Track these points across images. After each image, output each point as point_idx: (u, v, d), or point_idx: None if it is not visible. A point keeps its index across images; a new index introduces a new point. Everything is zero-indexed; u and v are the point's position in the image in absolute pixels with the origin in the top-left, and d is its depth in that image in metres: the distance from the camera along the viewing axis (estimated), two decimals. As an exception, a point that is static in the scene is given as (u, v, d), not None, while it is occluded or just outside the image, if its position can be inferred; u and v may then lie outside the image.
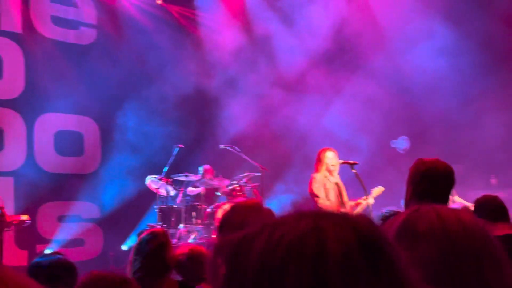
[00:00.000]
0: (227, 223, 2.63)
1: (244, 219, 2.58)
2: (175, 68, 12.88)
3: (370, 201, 7.98)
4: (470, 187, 10.71)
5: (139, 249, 3.79)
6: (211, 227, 10.71)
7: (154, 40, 12.93)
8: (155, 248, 3.72)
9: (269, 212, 2.67)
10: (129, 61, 12.44)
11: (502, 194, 10.37)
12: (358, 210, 8.04)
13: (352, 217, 0.97)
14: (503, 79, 12.39)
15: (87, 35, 12.44)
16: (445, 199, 3.26)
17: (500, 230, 4.16)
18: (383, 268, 0.90)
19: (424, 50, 12.57)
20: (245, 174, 11.47)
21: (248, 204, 2.73)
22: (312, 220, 0.93)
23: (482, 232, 1.24)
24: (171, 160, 11.27)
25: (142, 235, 3.98)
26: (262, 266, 0.90)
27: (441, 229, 1.21)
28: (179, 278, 3.89)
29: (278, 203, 12.39)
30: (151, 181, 11.01)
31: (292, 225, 0.93)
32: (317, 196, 7.69)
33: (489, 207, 4.32)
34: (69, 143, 11.88)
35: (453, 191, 9.74)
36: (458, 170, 9.76)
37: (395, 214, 3.22)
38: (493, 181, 12.54)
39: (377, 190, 8.24)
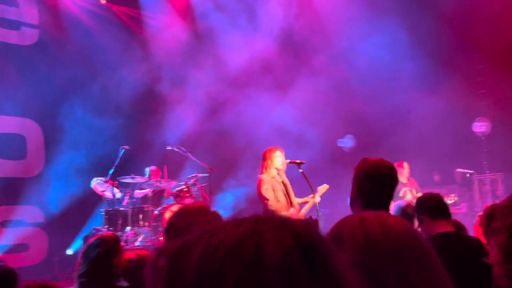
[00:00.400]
0: (173, 227, 2.59)
1: (190, 222, 2.55)
2: (121, 69, 12.70)
3: (317, 199, 8.02)
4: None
5: (86, 253, 3.69)
6: (159, 229, 10.60)
7: (98, 40, 12.72)
8: (102, 254, 3.64)
9: (215, 215, 2.64)
10: (73, 61, 12.20)
11: (444, 192, 10.69)
12: (305, 209, 8.07)
13: (291, 220, 0.96)
14: (448, 80, 12.67)
15: (29, 36, 12.15)
16: (388, 198, 3.31)
17: (442, 227, 4.24)
18: (322, 271, 0.90)
19: (370, 48, 12.76)
20: (193, 175, 11.40)
21: (194, 207, 2.69)
22: (251, 224, 0.93)
23: (407, 235, 1.24)
24: (117, 162, 11.11)
25: (91, 239, 3.88)
26: (201, 272, 0.89)
27: (362, 234, 1.21)
28: (125, 284, 3.81)
29: (227, 203, 12.39)
30: (97, 183, 10.82)
31: (231, 230, 0.93)
32: (267, 199, 7.66)
33: (431, 205, 4.39)
34: (11, 146, 11.59)
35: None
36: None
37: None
38: (436, 177, 12.84)
39: (323, 188, 8.30)
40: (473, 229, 5.31)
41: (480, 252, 4.15)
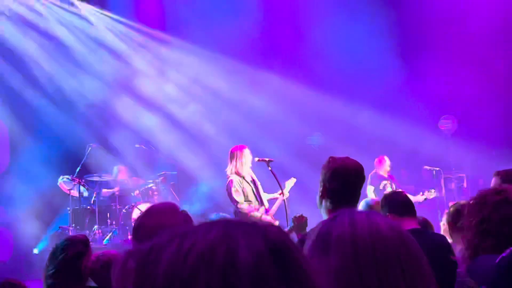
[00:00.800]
0: (142, 227, 2.57)
1: (158, 222, 2.53)
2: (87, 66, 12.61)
3: (286, 194, 8.03)
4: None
5: (54, 255, 3.64)
6: (127, 228, 10.53)
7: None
8: (71, 256, 3.59)
9: (185, 215, 2.62)
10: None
11: (412, 188, 10.82)
12: (275, 206, 8.08)
13: (262, 224, 0.96)
14: (415, 77, 12.80)
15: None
16: (356, 196, 3.34)
17: (408, 224, 4.29)
18: (293, 276, 0.90)
19: (339, 47, 12.84)
20: (162, 173, 11.34)
21: (163, 207, 2.67)
22: (223, 228, 0.92)
23: (398, 243, 1.24)
24: (84, 160, 10.98)
25: (60, 240, 3.83)
26: (172, 276, 0.88)
27: (350, 242, 1.20)
28: (93, 284, 3.77)
29: (195, 202, 12.34)
30: (63, 182, 10.70)
31: (203, 234, 0.92)
32: (237, 201, 7.65)
33: (396, 203, 4.43)
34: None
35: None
36: (370, 165, 10.05)
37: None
38: (404, 174, 12.97)
39: (290, 182, 8.30)
40: (440, 226, 5.38)
41: (445, 249, 4.21)
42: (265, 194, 8.09)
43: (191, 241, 0.91)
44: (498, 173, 5.04)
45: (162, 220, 2.54)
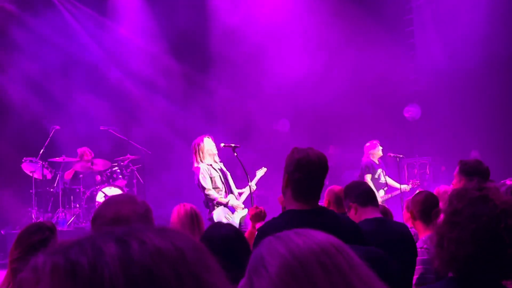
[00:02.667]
0: (100, 217, 2.55)
1: (117, 212, 2.52)
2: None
3: (253, 187, 8.06)
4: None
5: (20, 239, 3.61)
6: (90, 211, 10.43)
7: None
8: (37, 241, 3.56)
9: (143, 205, 2.61)
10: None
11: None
12: (244, 196, 8.12)
13: (168, 231, 0.97)
14: (379, 65, 12.88)
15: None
16: (318, 187, 3.36)
17: (370, 213, 4.34)
18: (190, 283, 0.90)
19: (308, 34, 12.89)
20: (126, 156, 11.25)
21: (121, 197, 2.66)
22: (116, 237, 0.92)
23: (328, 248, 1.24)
24: (47, 142, 10.83)
25: (28, 225, 3.79)
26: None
27: (284, 249, 1.21)
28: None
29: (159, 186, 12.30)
30: (26, 164, 10.54)
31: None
32: (204, 187, 7.68)
33: (359, 192, 4.47)
34: None
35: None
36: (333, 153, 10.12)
37: None
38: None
39: (261, 172, 8.36)
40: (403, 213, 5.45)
41: (405, 237, 4.27)
42: (237, 189, 8.12)
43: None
44: (460, 162, 5.16)
45: (120, 211, 2.52)
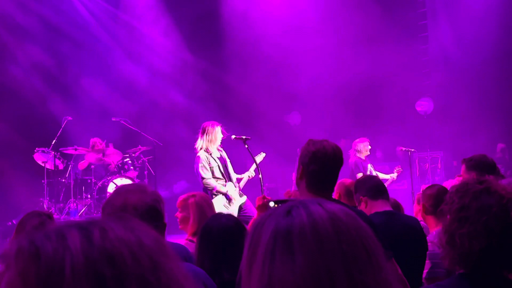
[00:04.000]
0: (109, 205, 2.56)
1: (125, 201, 2.52)
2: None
3: (251, 173, 8.10)
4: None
5: (20, 227, 3.63)
6: (102, 201, 10.46)
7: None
8: (36, 225, 3.58)
9: (152, 194, 2.61)
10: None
11: (386, 167, 10.89)
12: (242, 182, 8.15)
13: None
14: (393, 59, 12.83)
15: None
16: (333, 179, 3.37)
17: (380, 207, 4.34)
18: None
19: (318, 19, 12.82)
20: (137, 147, 11.27)
21: (132, 186, 2.66)
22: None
23: (354, 222, 1.22)
24: (59, 133, 10.87)
25: (26, 214, 3.81)
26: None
27: (312, 232, 1.18)
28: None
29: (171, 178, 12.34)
30: (38, 154, 10.60)
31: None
32: (202, 177, 7.74)
33: (369, 186, 4.47)
34: None
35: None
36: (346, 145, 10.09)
37: None
38: (379, 154, 13.07)
39: (259, 157, 8.36)
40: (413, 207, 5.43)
41: (415, 230, 4.25)
42: (236, 174, 8.14)
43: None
44: (464, 160, 5.11)
45: (128, 200, 2.53)
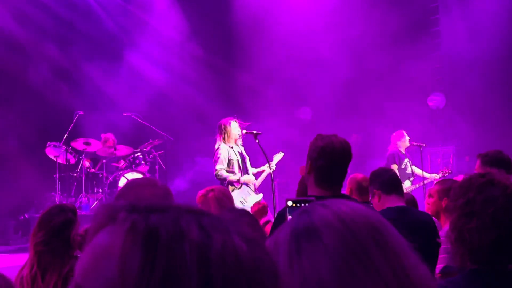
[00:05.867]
0: (121, 199, 2.55)
1: (136, 195, 2.52)
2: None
3: (272, 167, 8.13)
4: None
5: (44, 222, 3.61)
6: (113, 196, 10.49)
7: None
8: (61, 224, 3.57)
9: (164, 188, 2.61)
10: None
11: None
12: (261, 178, 8.20)
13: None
14: (404, 53, 12.78)
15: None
16: (342, 174, 3.35)
17: (393, 202, 4.30)
18: None
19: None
20: (148, 142, 11.29)
21: (143, 180, 2.66)
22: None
23: (372, 215, 1.21)
24: (71, 127, 10.91)
25: (50, 207, 3.79)
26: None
27: (335, 219, 1.16)
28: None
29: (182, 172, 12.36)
30: (50, 148, 10.64)
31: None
32: (216, 168, 7.84)
33: (384, 179, 4.43)
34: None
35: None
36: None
37: None
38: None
39: (278, 156, 8.40)
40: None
41: (428, 226, 4.23)
42: (252, 168, 8.20)
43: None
44: (479, 156, 5.07)
45: (140, 194, 2.52)
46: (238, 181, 7.84)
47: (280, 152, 8.50)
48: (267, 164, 8.08)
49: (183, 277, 0.79)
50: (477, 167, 5.07)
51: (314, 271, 1.11)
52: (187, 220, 0.84)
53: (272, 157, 8.33)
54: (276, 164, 8.35)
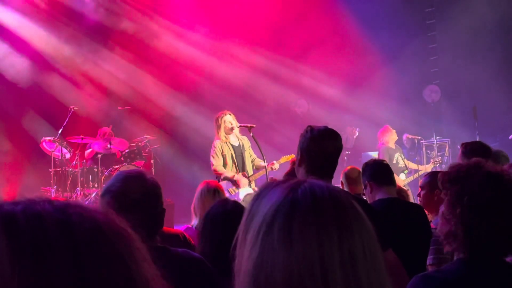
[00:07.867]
0: (108, 191, 2.56)
1: (124, 188, 2.52)
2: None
3: (276, 166, 8.15)
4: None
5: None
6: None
7: None
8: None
9: (151, 181, 2.61)
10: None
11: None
12: (257, 174, 8.17)
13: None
14: (401, 47, 12.77)
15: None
16: (332, 165, 3.34)
17: (385, 193, 4.31)
18: None
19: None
20: (144, 136, 11.28)
21: (130, 172, 2.66)
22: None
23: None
24: (65, 122, 10.88)
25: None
26: None
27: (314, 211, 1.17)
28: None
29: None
30: (46, 143, 10.61)
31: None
32: (212, 164, 7.91)
33: (375, 171, 4.44)
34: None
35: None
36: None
37: None
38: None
39: (287, 158, 8.36)
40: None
41: (419, 217, 4.24)
42: (258, 159, 8.18)
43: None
44: (462, 145, 5.07)
45: (127, 186, 2.53)
46: (232, 178, 7.87)
47: (292, 154, 8.44)
48: (267, 163, 8.06)
49: (52, 250, 0.86)
50: (458, 158, 5.09)
51: (278, 253, 1.14)
52: (40, 204, 0.92)
53: (281, 157, 8.37)
54: (280, 165, 8.34)
